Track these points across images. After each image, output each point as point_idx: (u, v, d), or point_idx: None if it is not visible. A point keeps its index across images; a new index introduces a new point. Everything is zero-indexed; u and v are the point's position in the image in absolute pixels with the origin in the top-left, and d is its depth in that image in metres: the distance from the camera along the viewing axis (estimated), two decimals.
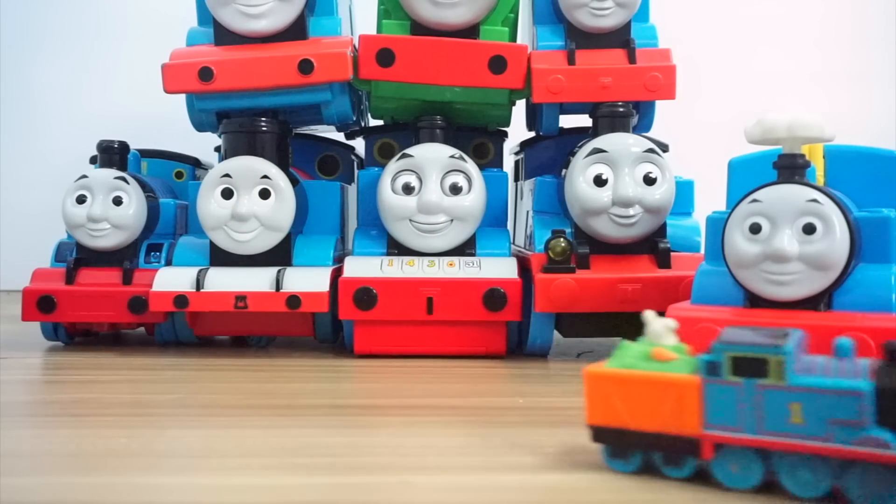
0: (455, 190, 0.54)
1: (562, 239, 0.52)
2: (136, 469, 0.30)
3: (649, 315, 0.31)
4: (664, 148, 0.57)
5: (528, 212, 0.61)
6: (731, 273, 0.39)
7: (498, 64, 0.54)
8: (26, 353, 0.57)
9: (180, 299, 0.53)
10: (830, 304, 0.38)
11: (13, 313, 0.60)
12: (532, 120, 0.64)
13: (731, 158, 0.45)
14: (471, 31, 0.56)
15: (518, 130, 0.65)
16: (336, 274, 0.54)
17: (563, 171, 0.56)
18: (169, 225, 0.62)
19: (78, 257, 0.59)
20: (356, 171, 0.65)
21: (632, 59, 0.55)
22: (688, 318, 0.38)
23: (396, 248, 0.55)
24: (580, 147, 0.54)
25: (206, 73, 0.54)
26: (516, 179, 0.69)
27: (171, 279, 0.54)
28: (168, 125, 0.70)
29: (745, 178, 0.42)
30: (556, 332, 0.56)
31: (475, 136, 0.62)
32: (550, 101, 0.55)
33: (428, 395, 0.44)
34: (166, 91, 0.55)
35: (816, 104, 0.93)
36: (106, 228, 0.58)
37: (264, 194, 0.54)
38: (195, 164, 0.73)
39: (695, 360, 0.28)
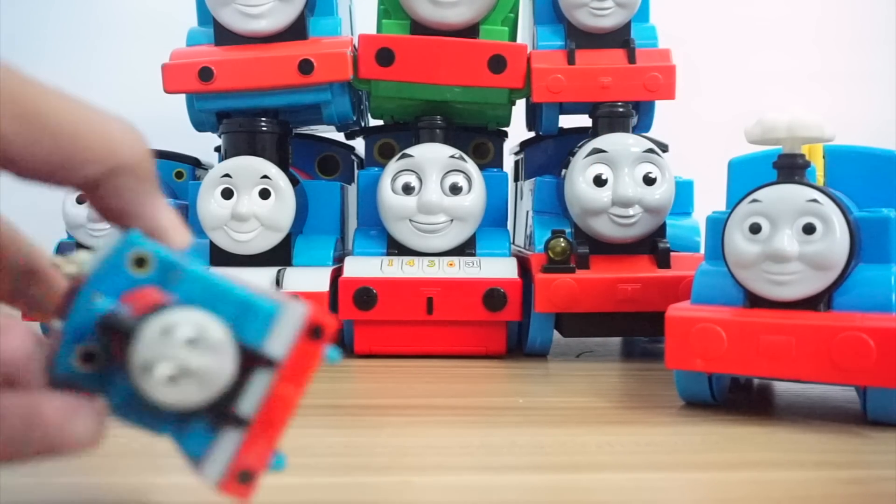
0: (455, 190, 0.54)
1: (562, 239, 0.52)
2: (136, 469, 0.30)
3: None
4: (664, 148, 0.57)
5: (528, 212, 0.61)
6: (731, 273, 0.39)
7: (498, 63, 0.54)
8: None
9: None
10: (830, 304, 0.38)
11: (13, 313, 0.59)
12: (532, 120, 0.64)
13: (731, 158, 0.45)
14: (471, 31, 0.56)
15: (518, 130, 0.65)
16: (336, 274, 0.54)
17: (563, 171, 0.56)
18: None
19: None
20: (356, 171, 0.65)
21: (632, 59, 0.55)
22: (688, 318, 0.38)
23: (396, 248, 0.55)
24: (580, 147, 0.55)
25: (206, 73, 0.54)
26: (516, 179, 0.69)
27: None
28: (168, 125, 0.70)
29: (745, 178, 0.42)
30: (556, 332, 0.56)
31: (475, 136, 0.62)
32: (550, 100, 0.55)
33: (428, 395, 0.44)
34: (166, 91, 0.55)
35: (816, 104, 0.93)
36: (106, 229, 0.58)
37: (264, 194, 0.54)
38: (195, 164, 0.73)
39: None
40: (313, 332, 0.21)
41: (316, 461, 0.31)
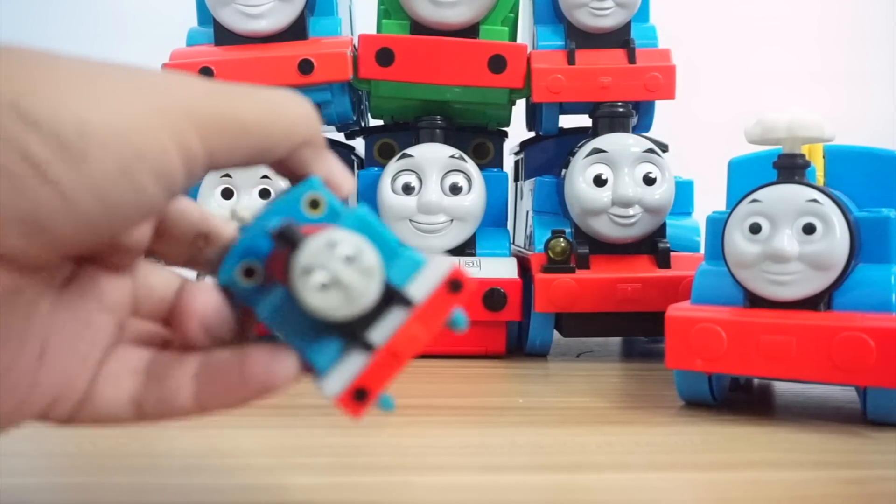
0: (455, 190, 0.54)
1: (562, 239, 0.52)
2: (136, 469, 0.30)
3: None
4: (664, 148, 0.57)
5: (528, 212, 0.61)
6: (731, 273, 0.39)
7: (497, 63, 0.54)
8: None
9: None
10: (830, 304, 0.38)
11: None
12: (532, 120, 0.64)
13: (731, 158, 0.45)
14: (471, 31, 0.56)
15: (518, 130, 0.65)
16: None
17: (563, 171, 0.56)
18: None
19: None
20: (356, 171, 0.65)
21: (632, 59, 0.55)
22: (688, 318, 0.38)
23: None
24: (580, 147, 0.55)
25: (206, 74, 0.54)
26: (516, 179, 0.69)
27: None
28: None
29: (745, 178, 0.42)
30: (556, 332, 0.56)
31: (475, 136, 0.62)
32: (550, 100, 0.55)
33: (428, 395, 0.44)
34: None
35: (816, 104, 0.93)
36: None
37: (264, 194, 0.54)
38: None
39: None
40: (452, 285, 0.23)
41: (316, 461, 0.31)
